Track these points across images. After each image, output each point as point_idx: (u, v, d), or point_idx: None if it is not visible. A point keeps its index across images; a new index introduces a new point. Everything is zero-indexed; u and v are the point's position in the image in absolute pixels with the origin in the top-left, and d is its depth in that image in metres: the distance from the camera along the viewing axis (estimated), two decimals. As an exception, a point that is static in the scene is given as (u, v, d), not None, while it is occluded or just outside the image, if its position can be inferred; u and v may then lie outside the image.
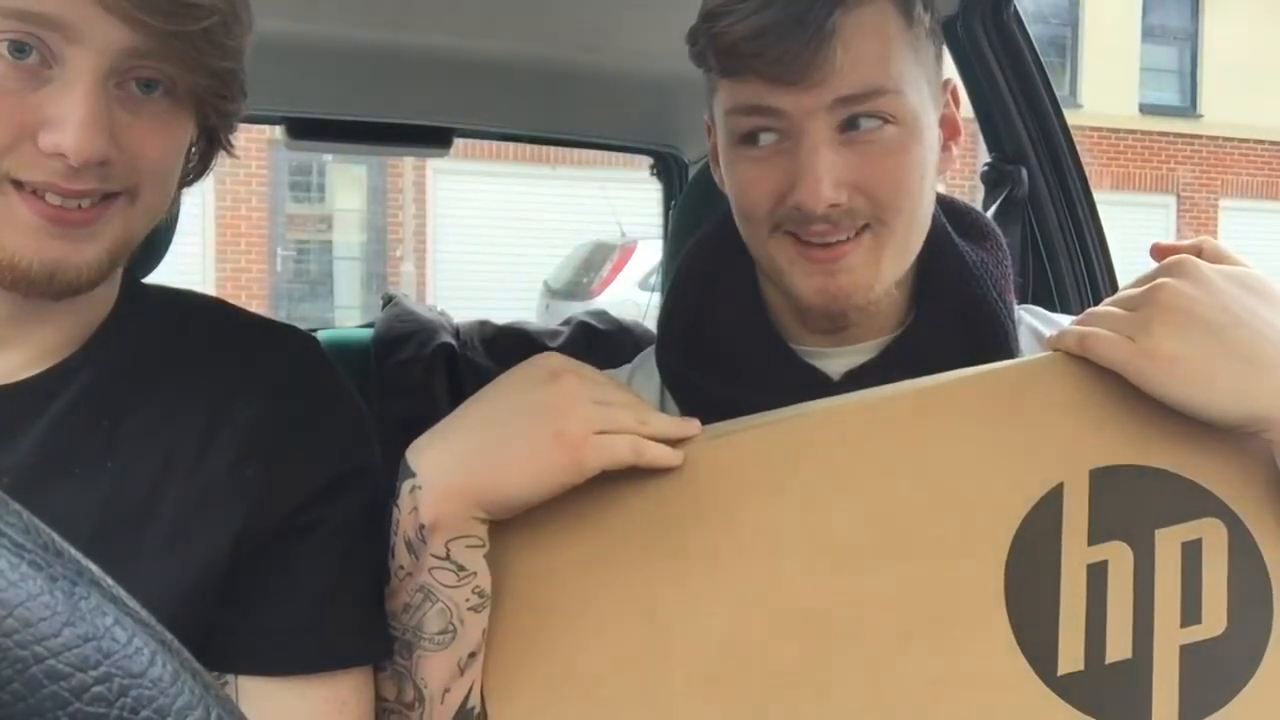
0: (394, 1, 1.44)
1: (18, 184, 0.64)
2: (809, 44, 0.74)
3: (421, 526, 0.70)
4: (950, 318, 0.85)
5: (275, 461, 0.71)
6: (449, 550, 0.70)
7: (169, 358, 0.73)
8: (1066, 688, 0.67)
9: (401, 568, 0.72)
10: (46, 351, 0.71)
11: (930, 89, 0.82)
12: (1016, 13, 1.42)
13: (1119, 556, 0.69)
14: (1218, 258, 0.73)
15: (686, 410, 0.84)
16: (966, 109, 1.49)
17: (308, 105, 1.77)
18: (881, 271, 0.81)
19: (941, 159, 0.85)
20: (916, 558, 0.70)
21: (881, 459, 0.72)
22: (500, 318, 2.00)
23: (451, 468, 0.70)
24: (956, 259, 0.87)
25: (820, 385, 0.83)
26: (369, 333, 1.89)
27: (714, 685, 0.70)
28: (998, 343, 0.84)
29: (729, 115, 0.81)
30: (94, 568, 0.26)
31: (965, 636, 0.69)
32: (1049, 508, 0.70)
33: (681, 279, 0.94)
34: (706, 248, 0.94)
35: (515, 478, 0.69)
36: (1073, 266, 1.44)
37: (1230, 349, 0.66)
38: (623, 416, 0.70)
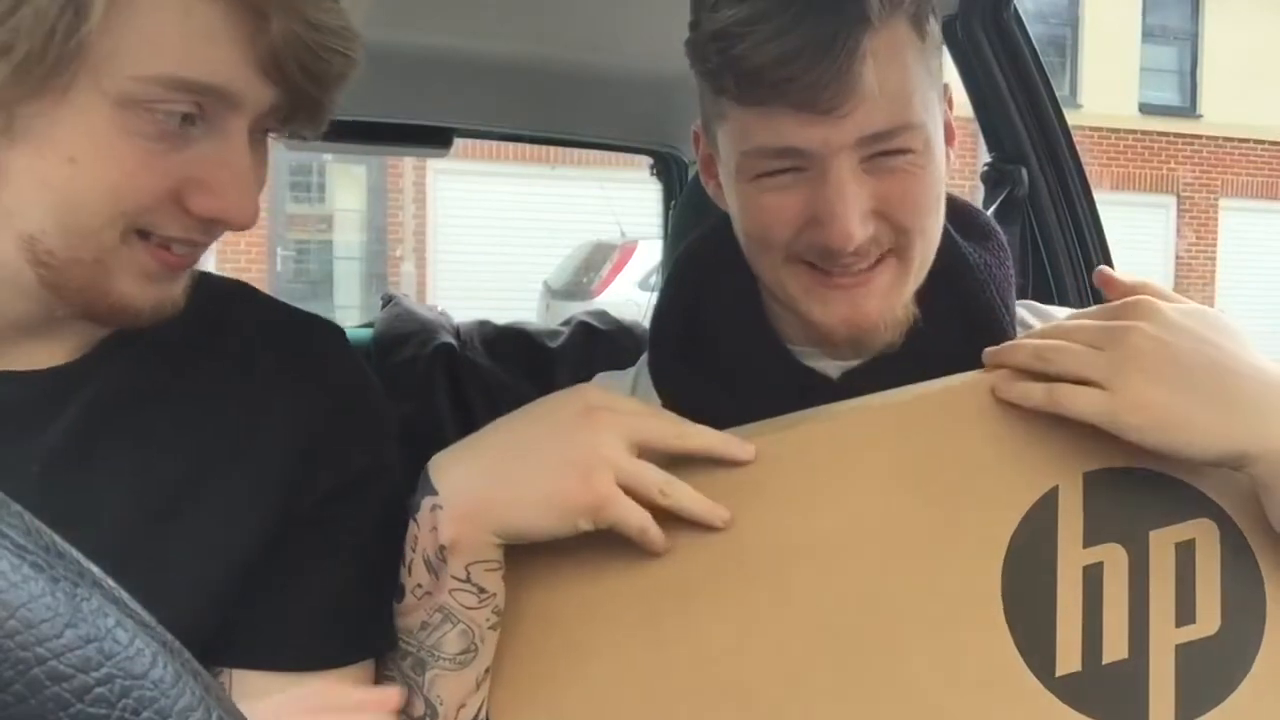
0: (394, 1, 1.44)
1: (143, 234, 0.64)
2: (840, 70, 0.70)
3: (442, 547, 0.69)
4: (950, 319, 0.84)
5: (307, 454, 0.72)
6: (469, 573, 0.69)
7: (202, 345, 0.73)
8: (1065, 688, 0.68)
9: (420, 586, 0.71)
10: (83, 342, 0.71)
11: (938, 102, 0.81)
12: (1016, 12, 1.42)
13: (1114, 558, 0.69)
14: (1165, 298, 0.72)
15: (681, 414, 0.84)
16: (966, 109, 1.49)
17: (308, 105, 1.76)
18: (904, 293, 0.80)
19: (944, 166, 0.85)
20: (914, 563, 0.70)
21: (878, 465, 0.72)
22: (500, 318, 2.00)
23: (473, 491, 0.69)
24: (959, 260, 0.87)
25: (819, 386, 0.83)
26: (369, 332, 1.89)
27: (716, 693, 0.70)
28: (997, 344, 0.84)
29: (746, 155, 0.77)
30: (95, 569, 0.26)
31: (964, 640, 0.69)
32: (1044, 511, 0.70)
33: (674, 282, 0.93)
34: (700, 250, 0.93)
35: (533, 512, 0.67)
36: (1072, 266, 1.44)
37: (1205, 391, 0.66)
38: (648, 478, 0.68)
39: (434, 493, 0.70)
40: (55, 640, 0.23)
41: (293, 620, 0.71)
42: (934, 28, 0.80)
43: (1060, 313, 0.91)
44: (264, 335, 0.76)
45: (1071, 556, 0.69)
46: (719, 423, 0.74)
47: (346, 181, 11.18)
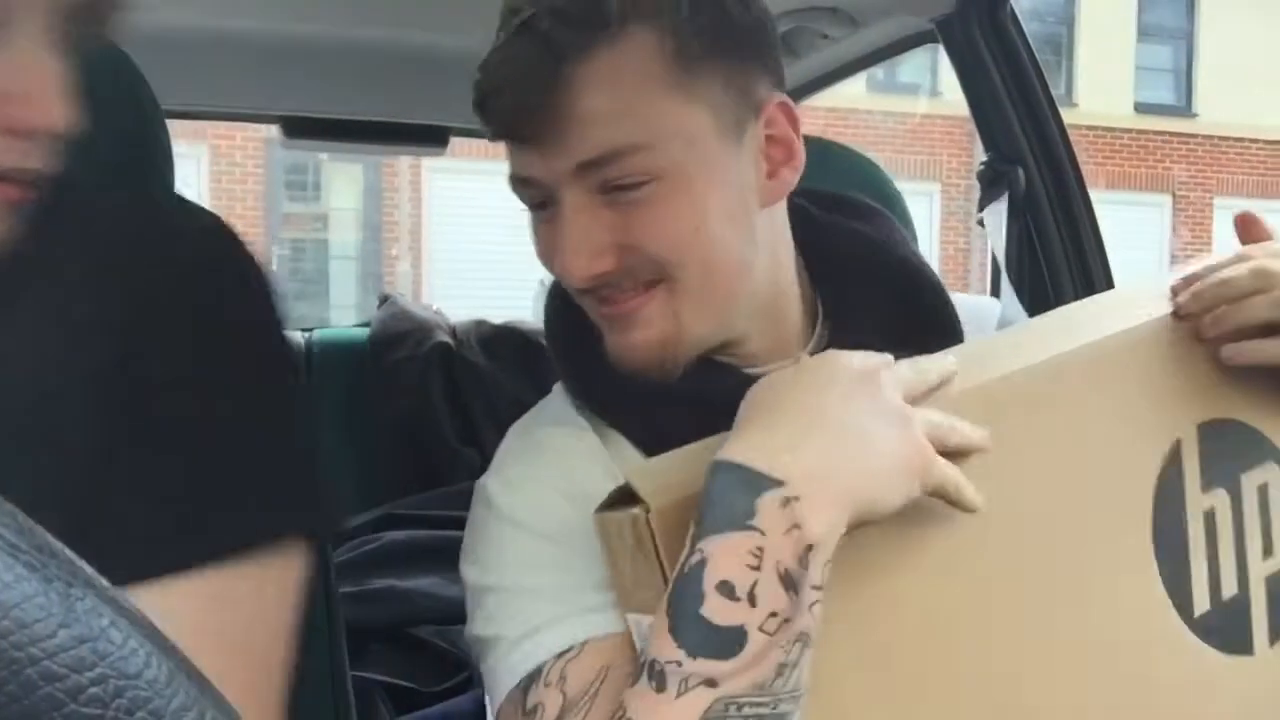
0: (392, 1, 1.43)
1: None
2: (539, 100, 0.69)
3: (809, 547, 0.55)
4: (875, 289, 0.82)
5: (135, 347, 0.63)
6: (824, 575, 0.56)
7: (53, 253, 0.65)
8: (1200, 627, 0.74)
9: (774, 615, 0.55)
10: None
11: (719, 122, 0.72)
12: (1013, 12, 1.42)
13: (1222, 502, 0.76)
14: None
15: (646, 441, 0.76)
16: (963, 108, 1.49)
17: (303, 104, 1.77)
18: (684, 324, 0.74)
19: (769, 187, 0.76)
20: (1070, 521, 0.71)
21: (1022, 432, 0.70)
22: (496, 316, 2.00)
23: (832, 473, 0.57)
24: (849, 235, 0.85)
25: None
26: (365, 332, 1.89)
27: (872, 655, 0.65)
28: (928, 297, 0.84)
29: (511, 186, 0.77)
30: (88, 568, 0.26)
31: (1123, 591, 0.72)
32: (1174, 461, 0.75)
33: (554, 322, 0.88)
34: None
35: (886, 488, 0.58)
36: (1069, 265, 1.44)
37: None
38: (951, 433, 0.63)
39: (778, 484, 0.56)
40: (49, 640, 0.23)
41: (158, 516, 0.61)
42: (699, 42, 0.71)
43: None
44: (109, 231, 0.68)
45: (1194, 503, 0.75)
46: (679, 441, 0.66)
47: (342, 180, 11.17)
